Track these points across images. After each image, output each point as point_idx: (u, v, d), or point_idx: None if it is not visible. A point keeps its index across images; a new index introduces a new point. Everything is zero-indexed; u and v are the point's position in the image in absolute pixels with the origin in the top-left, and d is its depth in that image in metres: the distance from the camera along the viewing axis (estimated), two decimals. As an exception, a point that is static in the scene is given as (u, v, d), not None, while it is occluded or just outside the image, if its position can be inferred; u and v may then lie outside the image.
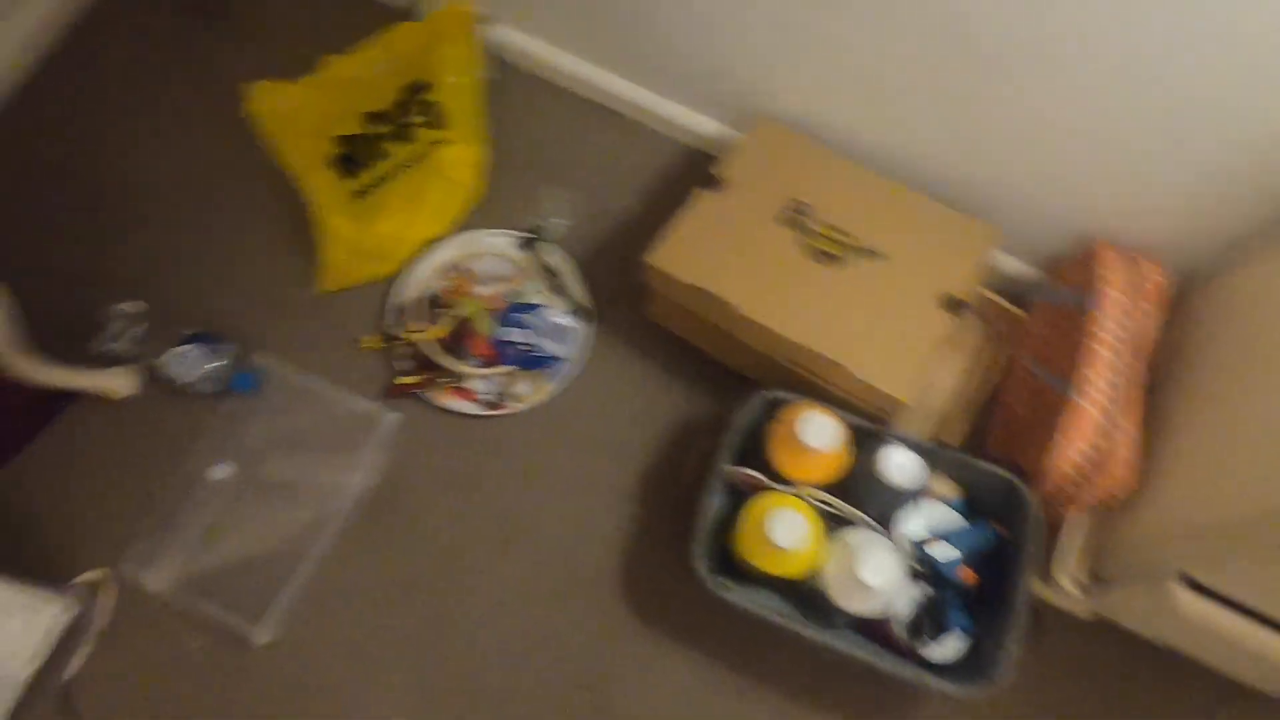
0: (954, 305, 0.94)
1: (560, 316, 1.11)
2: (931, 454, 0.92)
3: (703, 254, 0.96)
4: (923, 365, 0.91)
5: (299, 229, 1.15)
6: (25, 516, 1.03)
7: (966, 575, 0.92)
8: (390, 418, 1.06)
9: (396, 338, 1.10)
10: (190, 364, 1.05)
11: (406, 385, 1.08)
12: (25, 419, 1.05)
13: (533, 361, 1.09)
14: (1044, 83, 0.87)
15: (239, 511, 1.03)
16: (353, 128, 1.15)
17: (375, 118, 1.16)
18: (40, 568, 1.00)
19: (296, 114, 1.17)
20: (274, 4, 1.28)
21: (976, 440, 1.08)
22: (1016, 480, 0.90)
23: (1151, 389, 0.92)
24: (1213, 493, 0.80)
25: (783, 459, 0.91)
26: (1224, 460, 0.81)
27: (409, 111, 1.13)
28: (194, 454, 1.05)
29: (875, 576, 0.81)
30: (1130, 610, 0.93)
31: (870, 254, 0.97)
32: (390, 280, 1.14)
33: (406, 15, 1.25)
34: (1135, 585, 0.89)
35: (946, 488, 0.97)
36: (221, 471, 1.05)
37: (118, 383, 1.06)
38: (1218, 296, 0.95)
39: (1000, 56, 0.86)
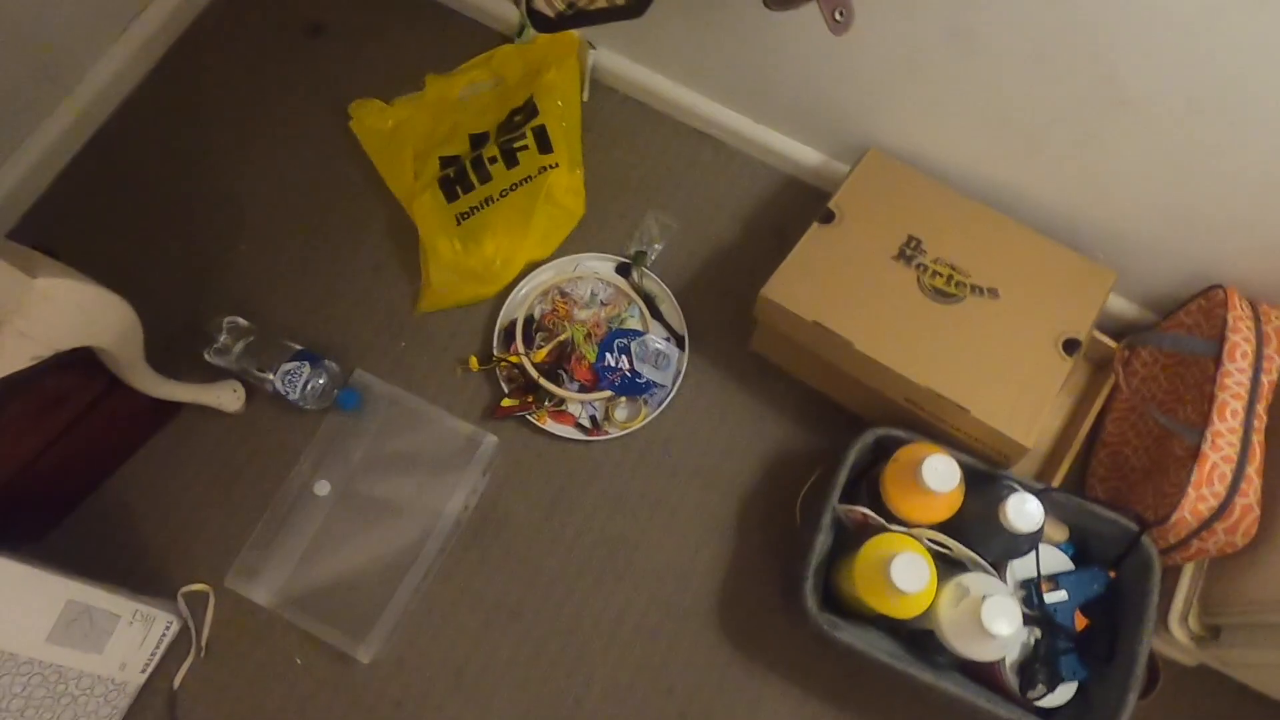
0: (1071, 347, 0.93)
1: (660, 343, 1.11)
2: (1043, 496, 0.91)
3: (817, 288, 0.96)
4: (1043, 409, 0.90)
5: (404, 249, 1.17)
6: (134, 523, 1.04)
7: (1079, 621, 0.91)
8: (490, 440, 1.07)
9: (498, 360, 1.10)
10: (297, 380, 1.06)
11: (508, 409, 1.09)
12: (136, 426, 1.07)
13: (632, 387, 1.09)
14: (1188, 130, 0.86)
15: (342, 529, 1.04)
16: (457, 149, 1.17)
17: (479, 139, 1.17)
18: (147, 575, 1.02)
19: (399, 133, 1.19)
20: (379, 21, 1.30)
21: (1076, 481, 1.07)
22: (1138, 528, 0.89)
23: (1269, 434, 0.90)
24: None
25: (898, 499, 0.90)
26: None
27: (514, 135, 1.14)
28: (298, 469, 1.06)
29: (1005, 627, 0.80)
30: (1244, 662, 0.91)
31: (989, 293, 0.96)
32: (492, 302, 1.15)
33: (512, 38, 1.26)
34: (1253, 637, 0.88)
35: (1056, 531, 0.96)
36: (324, 488, 1.06)
37: (226, 398, 1.08)
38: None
39: (1149, 100, 0.85)
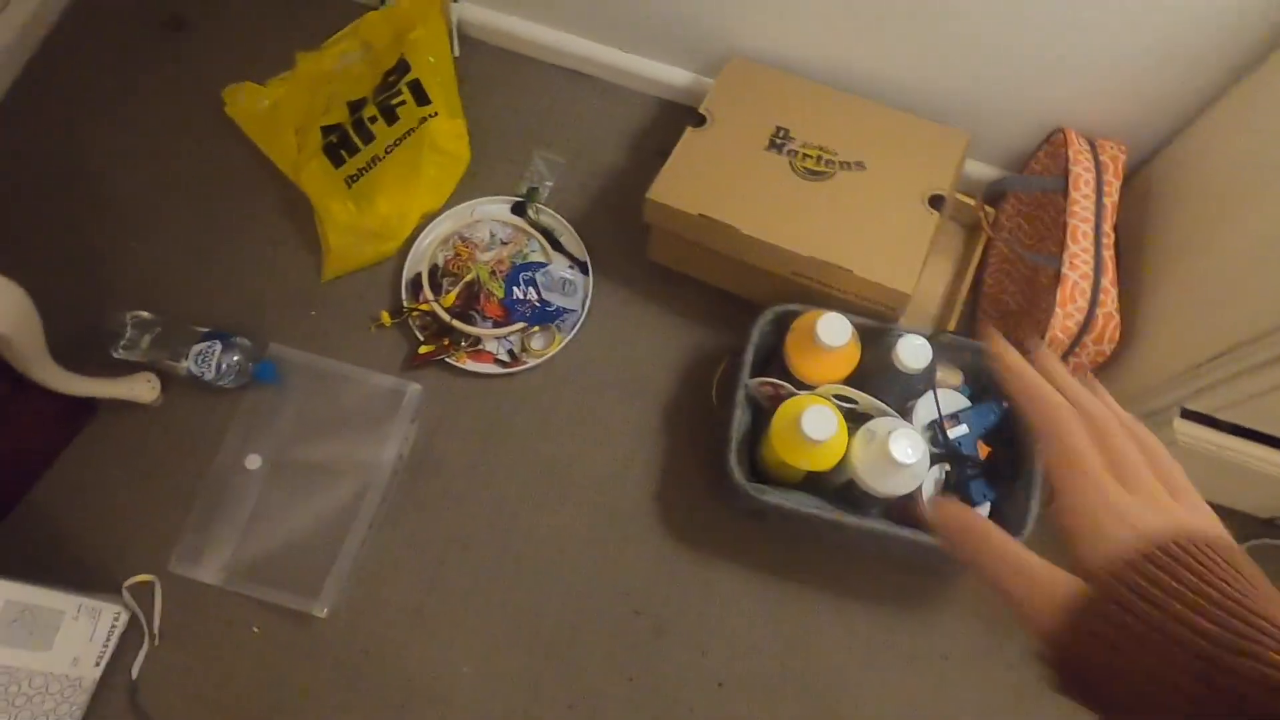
0: (937, 202, 1.01)
1: (565, 271, 1.15)
2: (934, 343, 0.98)
3: (699, 185, 1.01)
4: (919, 259, 0.97)
5: (300, 221, 1.18)
6: (67, 526, 1.03)
7: (981, 450, 0.98)
8: (414, 389, 1.09)
9: (409, 311, 1.13)
10: (210, 360, 1.06)
11: (426, 355, 1.11)
12: (56, 429, 1.05)
13: (544, 316, 1.13)
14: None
15: (279, 497, 1.05)
16: (337, 117, 1.18)
17: (358, 105, 1.19)
18: (89, 574, 1.01)
19: (277, 111, 1.20)
20: (240, 9, 1.30)
21: (968, 335, 1.15)
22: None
23: (1119, 252, 0.99)
24: (1192, 334, 0.87)
25: (801, 364, 0.96)
26: (1195, 305, 0.89)
27: (390, 93, 1.16)
28: (226, 447, 1.07)
29: (907, 454, 0.86)
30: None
31: (856, 166, 1.03)
32: (395, 258, 1.17)
33: (375, 5, 1.28)
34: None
35: (952, 375, 1.03)
36: (255, 461, 1.07)
37: (141, 389, 1.07)
38: (1170, 162, 1.03)
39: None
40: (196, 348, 1.06)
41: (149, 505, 1.05)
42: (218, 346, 1.07)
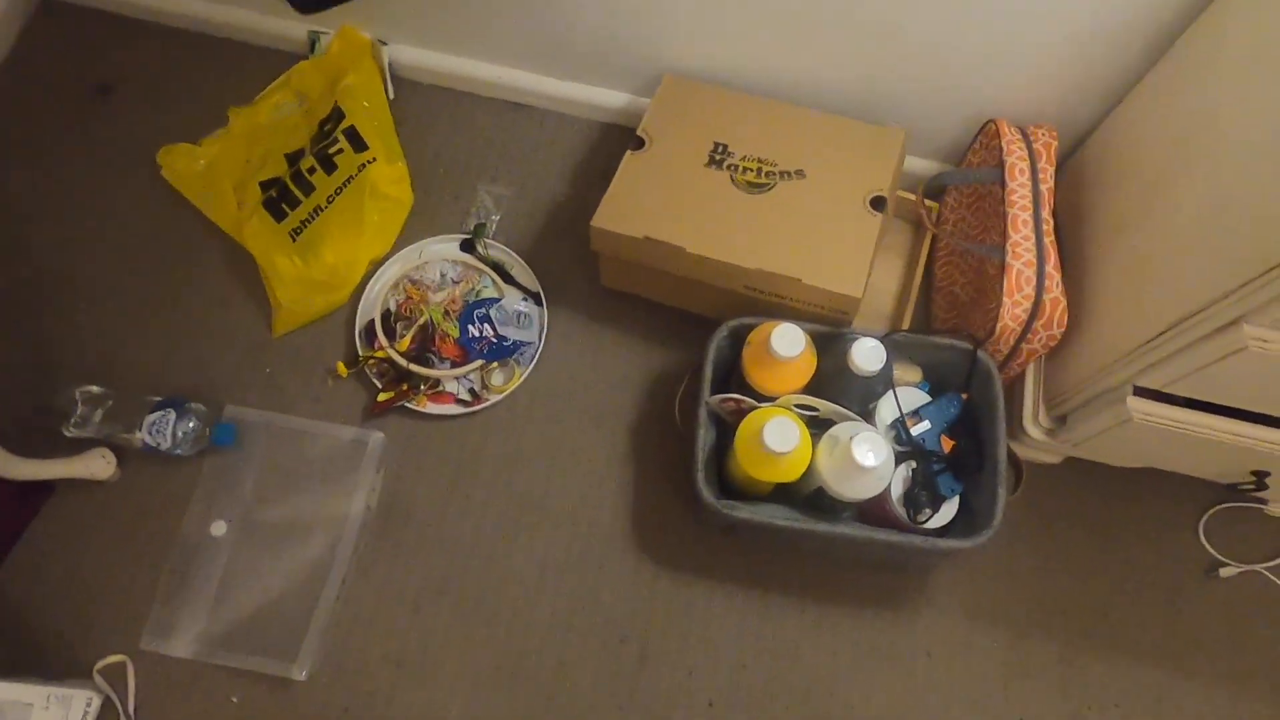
0: (879, 203, 1.02)
1: (519, 304, 1.15)
2: (890, 343, 0.98)
3: (643, 208, 1.02)
4: (866, 262, 0.98)
5: (246, 279, 1.16)
6: (31, 614, 1.01)
7: (945, 444, 0.99)
8: (376, 437, 1.08)
9: (365, 359, 1.11)
10: (164, 429, 1.04)
11: (386, 402, 1.10)
12: (12, 513, 1.03)
13: (501, 351, 1.12)
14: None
15: (248, 561, 1.03)
16: (275, 171, 1.17)
17: (295, 156, 1.18)
18: (58, 661, 0.99)
19: (214, 169, 1.19)
20: (167, 69, 1.29)
21: (923, 331, 1.16)
22: (971, 345, 0.98)
23: (1061, 237, 1.01)
24: (1137, 312, 0.89)
25: (759, 377, 0.96)
26: (1136, 284, 0.90)
27: (327, 142, 1.15)
28: (190, 516, 1.05)
29: (871, 456, 0.87)
30: (1089, 436, 1.00)
31: (796, 175, 1.04)
32: (347, 307, 1.16)
33: (304, 55, 1.27)
34: (1089, 411, 0.98)
35: (910, 372, 1.04)
36: (221, 528, 1.05)
37: (97, 466, 1.05)
38: (1101, 144, 1.05)
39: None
40: (150, 418, 1.05)
41: (115, 583, 1.02)
42: (172, 415, 1.05)
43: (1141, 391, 0.90)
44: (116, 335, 1.14)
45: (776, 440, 0.89)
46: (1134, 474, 1.05)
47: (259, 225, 1.13)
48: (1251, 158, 0.75)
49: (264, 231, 1.13)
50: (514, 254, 1.18)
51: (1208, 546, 1.09)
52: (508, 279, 1.18)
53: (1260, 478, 0.96)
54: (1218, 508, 1.10)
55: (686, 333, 1.12)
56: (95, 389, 1.07)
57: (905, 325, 1.13)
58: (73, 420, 1.05)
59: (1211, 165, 0.81)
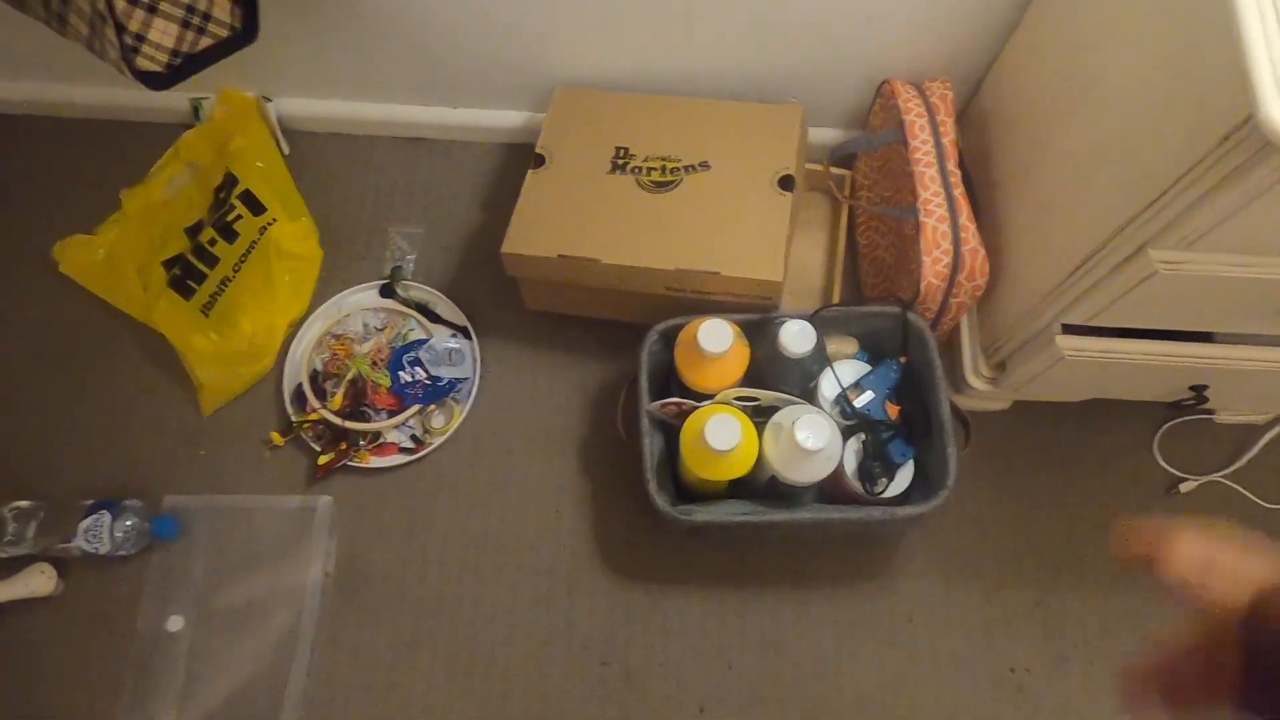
0: (787, 183, 1.01)
1: (447, 341, 1.12)
2: (820, 319, 0.98)
3: (552, 226, 1.00)
4: (782, 244, 0.97)
5: (165, 362, 1.13)
6: (-7, 749, 0.97)
7: (891, 410, 0.98)
8: (324, 502, 1.05)
9: (299, 424, 1.09)
10: (101, 533, 1.01)
11: (327, 464, 1.07)
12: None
13: (437, 392, 1.10)
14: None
15: (210, 651, 1.00)
16: (177, 248, 1.13)
17: (195, 229, 1.14)
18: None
19: (114, 257, 1.14)
20: (46, 160, 1.24)
21: (856, 299, 1.16)
22: (900, 308, 0.98)
23: (971, 187, 1.01)
24: (1050, 253, 0.89)
25: (694, 376, 0.95)
26: (1046, 224, 0.91)
27: (224, 210, 1.12)
28: (144, 616, 1.01)
29: (812, 440, 0.86)
30: (1029, 377, 1.00)
31: (701, 167, 1.02)
32: (273, 374, 1.12)
33: (190, 124, 1.24)
34: (1025, 353, 0.98)
35: (846, 344, 1.03)
36: (178, 623, 1.02)
37: (37, 583, 1.01)
38: (993, 90, 1.05)
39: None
40: (84, 523, 1.01)
41: (75, 700, 0.99)
42: (107, 516, 1.01)
43: (1071, 328, 0.90)
44: (38, 443, 1.10)
45: (718, 439, 0.87)
46: (1082, 407, 1.06)
47: (168, 306, 1.10)
48: (1128, 87, 0.75)
49: (174, 312, 1.10)
50: (436, 291, 1.16)
51: (1165, 465, 1.10)
52: (433, 318, 1.15)
53: (1199, 391, 0.97)
54: (1169, 424, 1.11)
55: (620, 343, 1.11)
56: (24, 503, 1.03)
57: (835, 299, 1.12)
58: (4, 539, 1.01)
59: (1094, 100, 0.81)
